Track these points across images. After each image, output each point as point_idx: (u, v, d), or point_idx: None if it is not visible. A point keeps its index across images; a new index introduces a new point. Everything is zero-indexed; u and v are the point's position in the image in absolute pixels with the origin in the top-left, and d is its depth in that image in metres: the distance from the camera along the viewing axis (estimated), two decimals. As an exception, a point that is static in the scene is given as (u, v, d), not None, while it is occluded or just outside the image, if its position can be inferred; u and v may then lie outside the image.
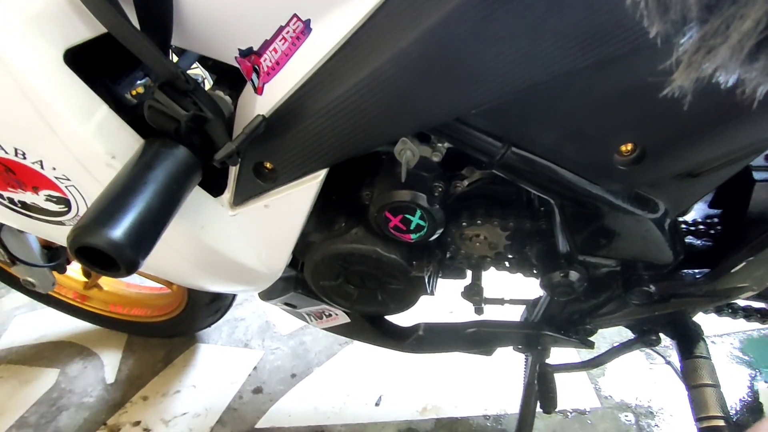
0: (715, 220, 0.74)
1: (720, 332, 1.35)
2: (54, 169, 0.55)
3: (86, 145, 0.52)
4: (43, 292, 1.15)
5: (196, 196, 0.64)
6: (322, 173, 0.61)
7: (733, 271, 0.65)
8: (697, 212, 0.77)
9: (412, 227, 0.70)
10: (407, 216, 0.68)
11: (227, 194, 0.66)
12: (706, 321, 0.83)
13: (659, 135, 0.53)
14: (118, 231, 0.43)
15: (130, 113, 0.59)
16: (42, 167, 0.55)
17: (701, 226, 0.74)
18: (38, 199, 0.61)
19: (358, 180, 0.74)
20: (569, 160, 0.59)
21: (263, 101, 0.56)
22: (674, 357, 1.22)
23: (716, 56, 0.28)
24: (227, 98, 0.60)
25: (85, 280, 1.44)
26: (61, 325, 1.52)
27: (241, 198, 0.66)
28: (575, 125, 0.55)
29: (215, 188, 0.67)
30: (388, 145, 0.63)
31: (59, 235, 0.69)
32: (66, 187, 0.58)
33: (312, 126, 0.56)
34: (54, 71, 0.50)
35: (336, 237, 0.75)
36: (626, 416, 1.17)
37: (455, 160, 0.71)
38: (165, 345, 1.46)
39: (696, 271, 0.71)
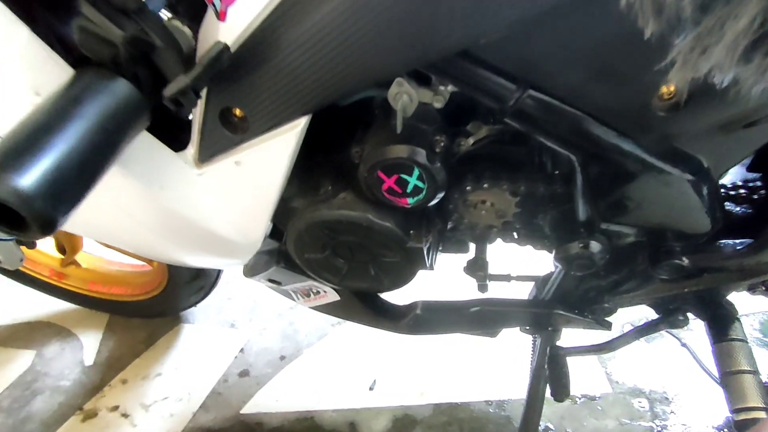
0: (758, 183, 0.65)
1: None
2: (-34, 109, 0.45)
3: (3, 79, 0.42)
4: (11, 268, 1.06)
5: (154, 149, 0.55)
6: (302, 121, 0.52)
7: (779, 242, 0.57)
8: (734, 175, 0.68)
9: (408, 189, 0.60)
10: (403, 176, 0.59)
11: (191, 149, 0.57)
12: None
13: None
14: (27, 178, 0.33)
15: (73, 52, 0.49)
16: (-49, 106, 0.45)
17: (742, 191, 0.65)
18: None
19: (346, 136, 0.64)
20: (598, 105, 0.49)
21: (227, 29, 0.46)
22: (689, 339, 1.14)
23: (711, 56, 0.28)
24: (186, 30, 0.49)
25: (61, 256, 1.35)
26: (37, 304, 1.44)
27: (207, 153, 0.56)
28: (607, 60, 0.45)
29: (178, 144, 0.57)
30: (381, 89, 0.53)
31: None
32: (-15, 133, 0.47)
33: (288, 60, 0.47)
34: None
35: (321, 202, 0.66)
36: (639, 402, 1.09)
37: (458, 116, 0.62)
38: (147, 325, 1.38)
39: (735, 242, 0.62)
